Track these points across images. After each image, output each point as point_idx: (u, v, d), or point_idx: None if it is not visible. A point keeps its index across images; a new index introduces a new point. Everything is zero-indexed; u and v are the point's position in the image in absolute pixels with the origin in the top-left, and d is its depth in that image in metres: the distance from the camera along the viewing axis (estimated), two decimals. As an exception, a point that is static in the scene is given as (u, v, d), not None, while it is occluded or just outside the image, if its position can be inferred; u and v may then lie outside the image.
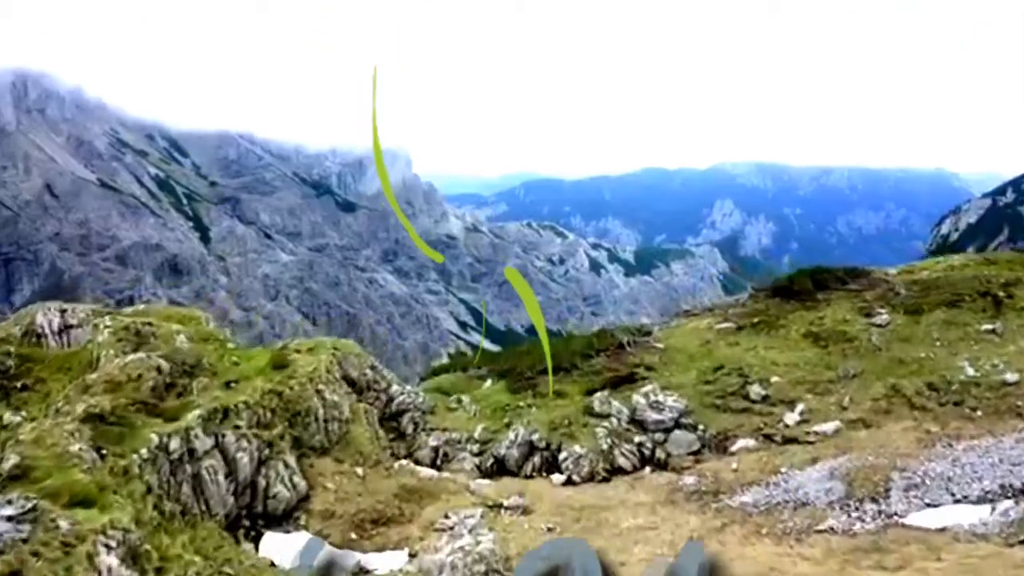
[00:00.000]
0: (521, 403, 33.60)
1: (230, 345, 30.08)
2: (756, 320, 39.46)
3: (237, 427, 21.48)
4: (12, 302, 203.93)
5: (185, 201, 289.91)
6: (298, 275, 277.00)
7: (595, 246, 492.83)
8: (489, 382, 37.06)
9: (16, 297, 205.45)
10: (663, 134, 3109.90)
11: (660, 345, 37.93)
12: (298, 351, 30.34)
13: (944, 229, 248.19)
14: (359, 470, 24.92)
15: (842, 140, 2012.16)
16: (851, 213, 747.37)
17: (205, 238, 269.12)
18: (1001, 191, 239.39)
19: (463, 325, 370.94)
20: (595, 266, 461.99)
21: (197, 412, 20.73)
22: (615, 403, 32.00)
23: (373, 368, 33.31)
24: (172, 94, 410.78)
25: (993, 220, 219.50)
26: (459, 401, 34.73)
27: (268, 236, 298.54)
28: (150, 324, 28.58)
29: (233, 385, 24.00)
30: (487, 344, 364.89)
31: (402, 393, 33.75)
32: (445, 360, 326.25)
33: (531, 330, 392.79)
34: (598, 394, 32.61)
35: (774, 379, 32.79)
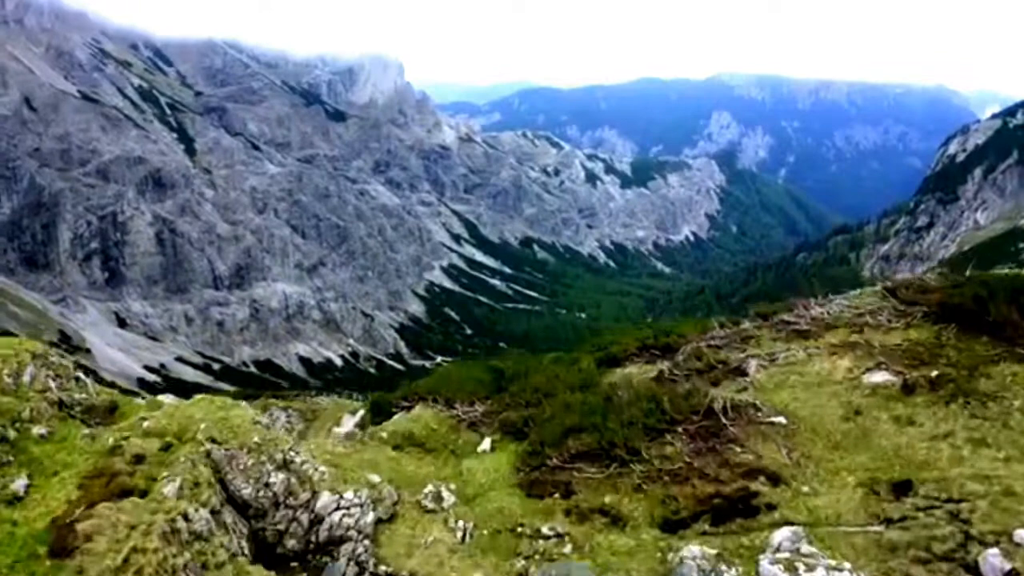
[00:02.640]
0: (546, 527, 16.95)
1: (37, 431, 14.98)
2: (936, 374, 19.50)
3: None
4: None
5: (169, 112, 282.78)
6: (287, 187, 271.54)
7: (591, 157, 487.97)
8: (487, 444, 19.64)
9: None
10: (660, 43, 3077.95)
11: (780, 419, 18.43)
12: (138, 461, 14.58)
13: (951, 149, 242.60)
14: None
15: (842, 54, 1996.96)
16: (849, 128, 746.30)
17: (190, 150, 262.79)
18: (1011, 112, 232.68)
19: (456, 237, 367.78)
20: (591, 177, 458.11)
21: None
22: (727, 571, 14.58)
23: (286, 465, 16.35)
24: (156, 2, 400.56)
25: (1002, 142, 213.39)
26: (438, 499, 17.93)
27: (255, 147, 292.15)
28: None
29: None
30: (480, 255, 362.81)
31: (338, 508, 16.40)
32: (438, 273, 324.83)
33: (525, 242, 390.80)
34: (691, 548, 14.67)
35: (1019, 532, 13.34)
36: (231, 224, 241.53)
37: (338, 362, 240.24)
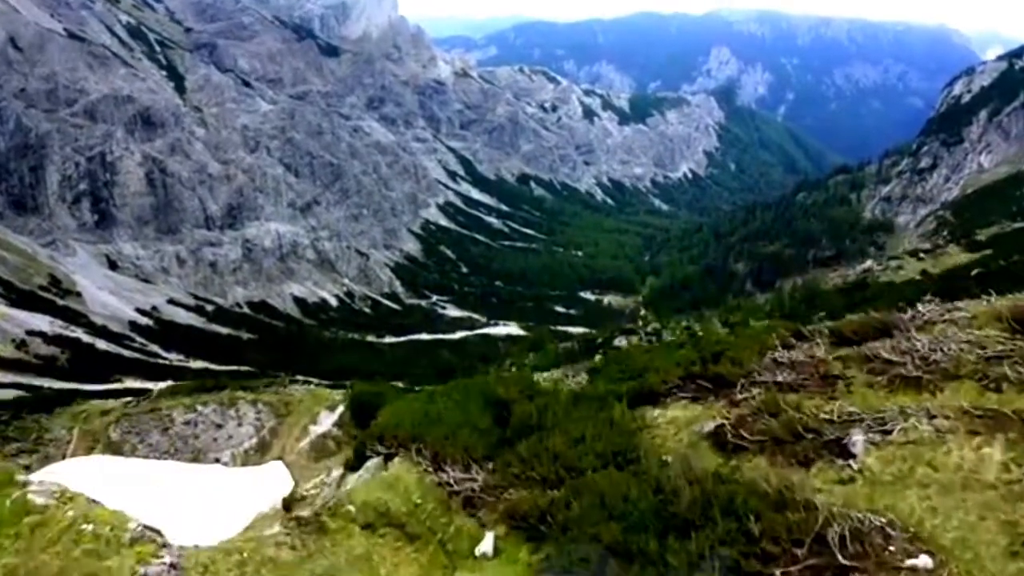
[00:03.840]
0: None
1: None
2: None
3: None
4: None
5: (158, 49, 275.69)
6: (279, 125, 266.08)
7: (588, 93, 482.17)
8: (489, 543, 13.28)
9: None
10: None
11: (923, 562, 9.73)
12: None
13: (956, 90, 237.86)
14: None
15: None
16: (849, 66, 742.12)
17: (180, 88, 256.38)
18: (1017, 54, 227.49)
19: (452, 175, 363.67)
20: (588, 113, 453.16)
21: None
22: None
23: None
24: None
25: (1008, 84, 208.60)
26: None
27: (247, 84, 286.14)
28: None
29: None
30: (476, 193, 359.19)
31: None
32: (433, 211, 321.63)
33: (522, 180, 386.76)
34: None
35: None
36: (222, 163, 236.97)
37: (333, 302, 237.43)
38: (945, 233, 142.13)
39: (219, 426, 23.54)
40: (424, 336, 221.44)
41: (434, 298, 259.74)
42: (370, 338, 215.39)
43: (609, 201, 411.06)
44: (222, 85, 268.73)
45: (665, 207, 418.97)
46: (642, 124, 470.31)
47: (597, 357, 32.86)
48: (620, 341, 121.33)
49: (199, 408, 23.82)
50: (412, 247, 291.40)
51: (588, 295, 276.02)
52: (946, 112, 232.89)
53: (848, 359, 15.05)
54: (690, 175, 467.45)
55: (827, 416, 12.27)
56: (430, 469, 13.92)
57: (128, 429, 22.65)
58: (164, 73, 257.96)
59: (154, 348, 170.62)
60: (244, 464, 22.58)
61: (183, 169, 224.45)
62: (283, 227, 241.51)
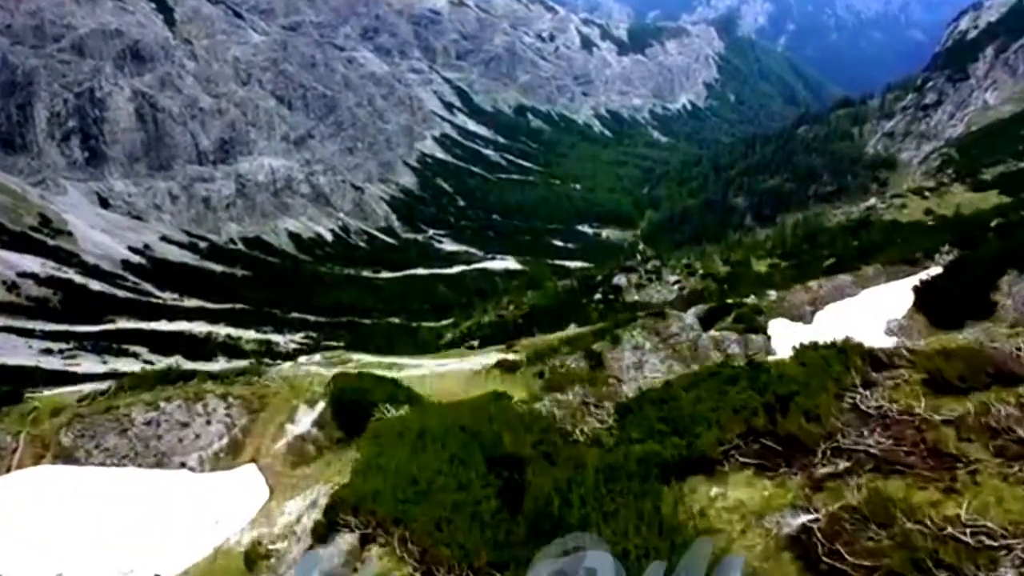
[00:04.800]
0: None
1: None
2: None
3: None
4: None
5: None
6: (271, 56, 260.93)
7: (586, 22, 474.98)
8: None
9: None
10: None
11: None
12: None
13: (962, 25, 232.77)
14: None
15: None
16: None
17: (169, 20, 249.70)
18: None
19: (448, 106, 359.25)
20: (586, 43, 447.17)
21: None
22: None
23: None
24: None
25: (1015, 20, 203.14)
26: None
27: (238, 15, 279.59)
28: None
29: None
30: (472, 125, 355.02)
31: None
32: (429, 143, 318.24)
33: (519, 111, 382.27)
34: None
35: None
36: (214, 97, 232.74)
37: (328, 237, 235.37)
38: (950, 171, 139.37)
39: (185, 425, 21.35)
40: (421, 271, 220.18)
41: (431, 232, 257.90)
42: (366, 273, 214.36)
43: (607, 133, 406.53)
44: (212, 17, 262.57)
45: (664, 139, 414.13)
46: (641, 55, 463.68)
47: (596, 347, 29.43)
48: (619, 279, 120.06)
49: (162, 405, 21.57)
50: (408, 180, 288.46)
51: (586, 229, 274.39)
52: (952, 47, 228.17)
53: (962, 425, 10.14)
54: (689, 107, 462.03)
55: (958, 534, 7.99)
56: (415, 570, 10.29)
57: (81, 432, 20.51)
58: (153, 5, 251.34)
59: (147, 287, 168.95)
60: (214, 469, 20.57)
61: (174, 104, 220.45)
62: (276, 161, 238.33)
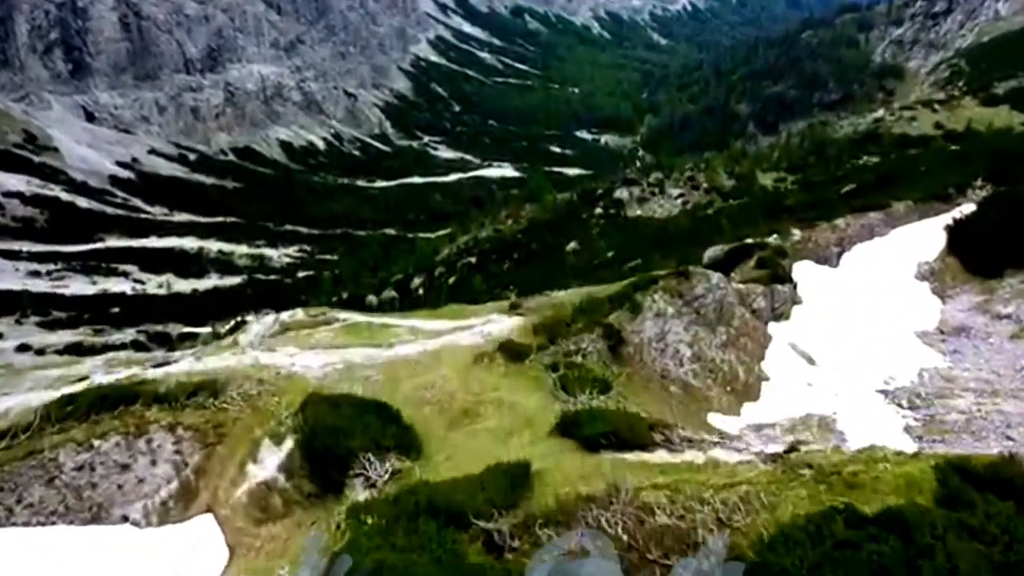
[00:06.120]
0: None
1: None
2: None
3: None
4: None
5: None
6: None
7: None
8: None
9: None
10: None
11: None
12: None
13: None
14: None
15: None
16: None
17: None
18: None
19: (442, 7, 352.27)
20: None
21: None
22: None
23: None
24: None
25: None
26: None
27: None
28: None
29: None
30: (468, 27, 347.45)
31: None
32: (424, 46, 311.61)
33: (516, 12, 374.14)
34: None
35: None
36: (200, 3, 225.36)
37: (320, 145, 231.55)
38: (960, 84, 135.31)
39: (125, 467, 17.94)
40: (416, 179, 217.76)
41: (426, 139, 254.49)
42: (360, 182, 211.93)
43: (606, 35, 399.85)
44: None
45: (664, 41, 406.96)
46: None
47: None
48: (621, 192, 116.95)
49: (96, 444, 18.07)
50: (402, 85, 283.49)
51: (585, 135, 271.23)
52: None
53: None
54: (689, 7, 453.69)
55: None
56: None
57: (0, 485, 17.18)
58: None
59: (136, 203, 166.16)
60: (162, 522, 17.40)
61: (159, 11, 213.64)
62: (266, 68, 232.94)
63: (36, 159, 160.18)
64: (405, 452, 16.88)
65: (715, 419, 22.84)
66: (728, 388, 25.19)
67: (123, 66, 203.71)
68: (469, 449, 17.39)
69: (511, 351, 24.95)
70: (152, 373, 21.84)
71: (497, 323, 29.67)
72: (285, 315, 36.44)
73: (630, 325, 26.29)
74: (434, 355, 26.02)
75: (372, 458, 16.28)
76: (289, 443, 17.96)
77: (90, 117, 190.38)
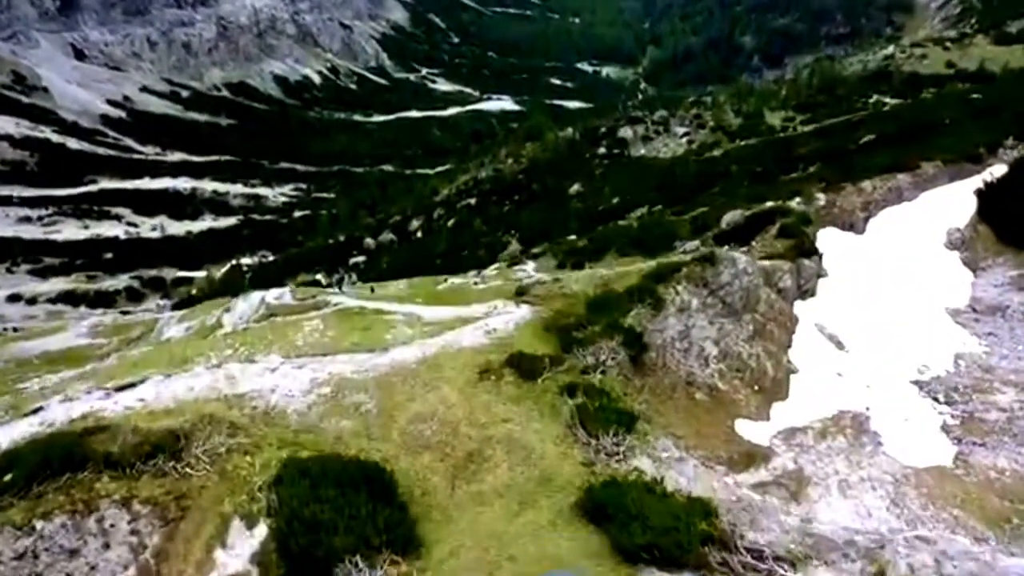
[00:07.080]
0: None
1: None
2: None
3: None
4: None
5: None
6: None
7: None
8: None
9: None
10: None
11: None
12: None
13: None
14: None
15: None
16: None
17: None
18: None
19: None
20: None
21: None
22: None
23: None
24: None
25: None
26: None
27: None
28: None
29: None
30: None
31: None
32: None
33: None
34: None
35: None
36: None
37: (316, 79, 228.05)
38: (973, 21, 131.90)
39: (73, 553, 15.10)
40: (414, 113, 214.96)
41: (423, 71, 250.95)
42: (357, 117, 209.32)
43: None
44: None
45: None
46: None
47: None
48: (625, 131, 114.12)
49: (39, 526, 15.29)
50: (399, 16, 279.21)
51: (585, 66, 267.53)
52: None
53: None
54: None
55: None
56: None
57: None
58: None
59: (128, 142, 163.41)
60: None
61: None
62: (260, 1, 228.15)
63: (25, 100, 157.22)
64: (400, 549, 14.61)
65: (743, 427, 21.16)
66: (756, 387, 23.32)
67: (112, 1, 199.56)
68: (477, 531, 15.12)
69: (521, 367, 22.67)
70: (109, 411, 19.15)
71: (503, 315, 27.38)
72: (272, 297, 34.23)
73: (651, 324, 24.10)
74: (433, 364, 23.75)
75: (360, 563, 13.90)
76: (263, 528, 15.53)
77: (79, 55, 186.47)
